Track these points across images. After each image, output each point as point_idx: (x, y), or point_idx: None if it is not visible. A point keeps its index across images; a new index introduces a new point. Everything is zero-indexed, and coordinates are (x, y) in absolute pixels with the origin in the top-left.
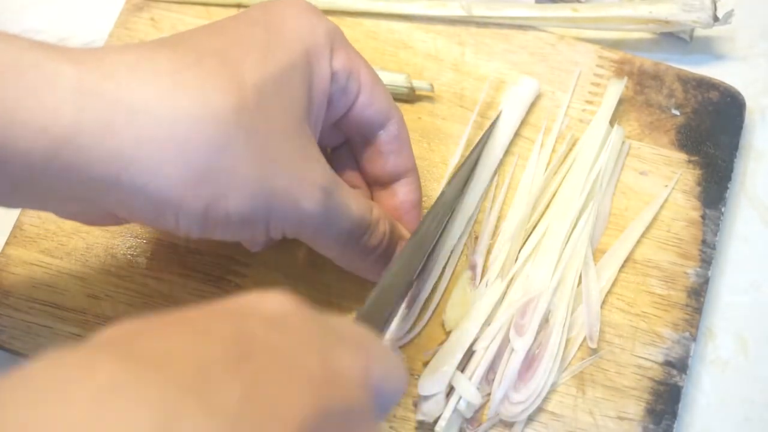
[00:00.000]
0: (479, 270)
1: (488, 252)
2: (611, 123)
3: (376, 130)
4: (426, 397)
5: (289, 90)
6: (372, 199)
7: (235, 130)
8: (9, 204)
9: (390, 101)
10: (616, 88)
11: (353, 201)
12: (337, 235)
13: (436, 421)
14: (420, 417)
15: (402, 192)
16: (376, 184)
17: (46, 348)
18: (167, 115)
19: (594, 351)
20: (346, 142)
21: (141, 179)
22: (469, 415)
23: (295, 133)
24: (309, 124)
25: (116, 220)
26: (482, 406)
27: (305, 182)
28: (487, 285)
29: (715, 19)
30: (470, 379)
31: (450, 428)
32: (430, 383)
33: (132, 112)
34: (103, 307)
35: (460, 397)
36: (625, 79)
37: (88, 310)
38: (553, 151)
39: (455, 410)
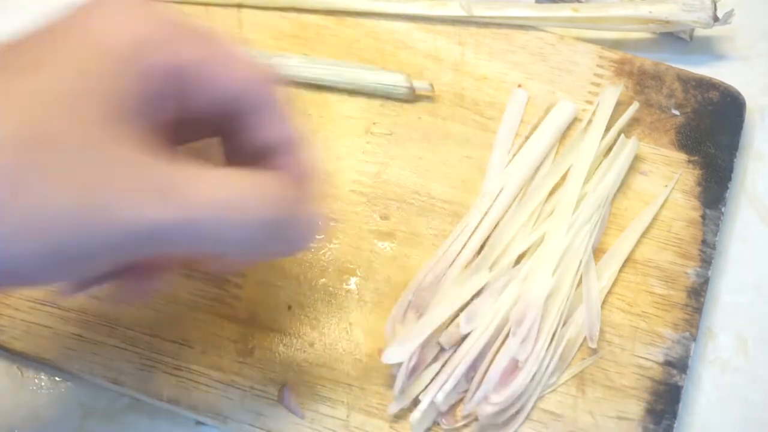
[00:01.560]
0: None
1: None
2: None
3: (232, 104)
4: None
5: (91, 102)
6: None
7: (23, 157)
8: None
9: (240, 67)
10: (611, 94)
11: (242, 187)
12: (240, 233)
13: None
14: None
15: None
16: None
17: (47, 348)
18: None
19: (594, 351)
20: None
21: None
22: (444, 408)
23: (110, 143)
24: (127, 128)
25: None
26: (458, 402)
27: (133, 191)
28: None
29: (715, 19)
30: (450, 375)
31: (424, 420)
32: (396, 354)
33: None
34: (103, 307)
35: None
36: (621, 86)
37: (88, 310)
38: (557, 153)
39: (431, 403)
